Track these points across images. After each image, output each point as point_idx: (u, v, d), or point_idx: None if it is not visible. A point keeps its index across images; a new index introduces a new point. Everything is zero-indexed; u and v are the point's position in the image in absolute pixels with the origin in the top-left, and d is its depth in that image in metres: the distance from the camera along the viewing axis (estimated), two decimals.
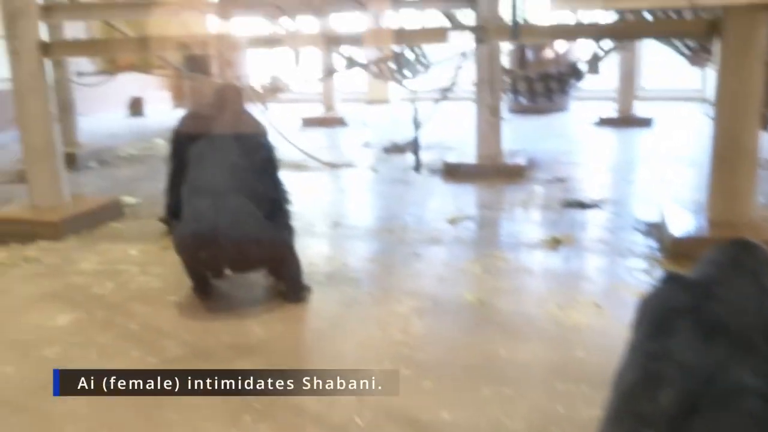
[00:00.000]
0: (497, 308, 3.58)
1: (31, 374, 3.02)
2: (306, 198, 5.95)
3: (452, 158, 6.85)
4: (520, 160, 6.62)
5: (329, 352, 3.17)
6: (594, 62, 5.96)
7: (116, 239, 4.87)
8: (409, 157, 6.78)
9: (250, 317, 3.52)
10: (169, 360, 3.09)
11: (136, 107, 11.51)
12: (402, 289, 3.76)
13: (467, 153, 6.79)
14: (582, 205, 5.42)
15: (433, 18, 7.46)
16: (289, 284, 3.67)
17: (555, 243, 4.56)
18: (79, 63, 9.92)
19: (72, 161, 7.15)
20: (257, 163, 3.72)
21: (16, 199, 5.76)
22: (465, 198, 5.83)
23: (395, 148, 7.57)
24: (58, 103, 5.44)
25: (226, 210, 3.42)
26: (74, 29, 8.32)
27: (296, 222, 4.90)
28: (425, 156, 7.00)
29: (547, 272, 4.10)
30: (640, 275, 3.97)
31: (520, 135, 8.19)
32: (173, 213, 4.37)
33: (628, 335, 1.85)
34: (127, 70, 7.98)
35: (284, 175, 4.00)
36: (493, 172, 6.39)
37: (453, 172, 6.47)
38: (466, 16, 7.67)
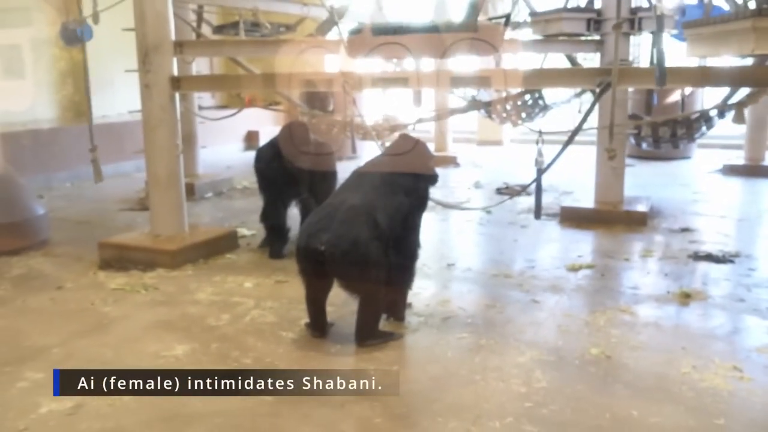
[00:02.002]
0: (625, 365, 3.35)
1: (147, 404, 3.00)
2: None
3: (570, 202, 6.62)
4: (642, 207, 6.31)
5: (448, 401, 3.02)
6: (739, 110, 5.60)
7: (231, 270, 4.93)
8: (524, 200, 6.60)
9: (366, 360, 3.44)
10: (283, 399, 3.03)
11: (251, 141, 11.85)
12: (522, 338, 3.58)
13: (586, 198, 6.55)
14: (712, 258, 5.07)
15: (555, 61, 7.35)
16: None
17: (685, 297, 4.26)
18: (201, 97, 10.38)
19: (190, 191, 7.40)
20: (403, 196, 3.72)
21: (138, 227, 5.98)
22: (584, 245, 5.58)
23: (509, 190, 7.40)
24: (183, 135, 5.62)
25: (341, 222, 3.48)
26: (198, 65, 8.68)
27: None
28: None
29: (678, 329, 3.82)
30: None
31: (642, 181, 7.85)
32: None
33: None
34: (251, 105, 8.22)
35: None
36: (613, 219, 6.12)
37: (571, 217, 6.24)
38: (587, 59, 7.51)
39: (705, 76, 4.22)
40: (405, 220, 3.73)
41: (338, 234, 3.44)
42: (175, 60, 5.26)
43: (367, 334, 3.58)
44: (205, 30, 7.87)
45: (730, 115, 6.49)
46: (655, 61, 3.96)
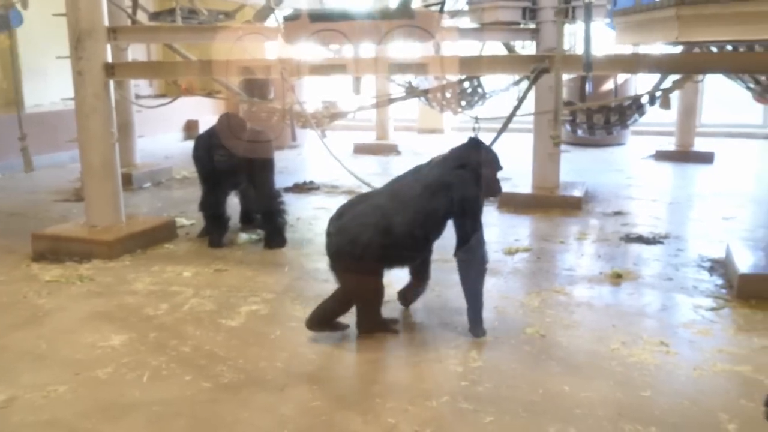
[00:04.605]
0: (558, 343, 3.45)
1: (83, 395, 2.99)
2: None
3: (508, 188, 6.75)
4: (578, 192, 6.48)
5: (386, 382, 3.08)
6: (665, 96, 5.78)
7: (170, 260, 4.88)
8: None
9: (305, 344, 3.46)
10: (222, 385, 3.04)
11: (191, 130, 11.68)
12: (460, 321, 3.64)
13: (524, 184, 6.68)
14: (643, 240, 5.26)
15: (492, 49, 7.44)
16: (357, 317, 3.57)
17: (617, 278, 4.41)
18: (138, 85, 10.18)
19: (128, 181, 7.27)
20: (444, 203, 3.42)
21: (73, 218, 5.85)
22: (521, 229, 5.71)
23: None
24: (118, 125, 5.52)
25: (354, 216, 3.43)
26: (134, 52, 8.51)
27: None
28: None
29: (609, 308, 3.95)
30: (707, 313, 3.80)
31: (577, 167, 8.06)
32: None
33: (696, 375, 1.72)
34: (188, 93, 8.10)
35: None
36: (549, 204, 6.27)
37: (509, 203, 6.36)
38: (526, 47, 7.64)
39: (631, 64, 4.36)
40: (439, 224, 3.49)
41: (344, 227, 3.42)
42: (108, 47, 5.16)
43: (317, 320, 3.51)
44: (142, 17, 7.71)
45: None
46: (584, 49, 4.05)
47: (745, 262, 4.22)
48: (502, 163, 3.63)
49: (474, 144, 3.59)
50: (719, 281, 4.31)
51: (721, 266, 4.57)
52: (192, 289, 4.27)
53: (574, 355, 3.33)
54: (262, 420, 2.76)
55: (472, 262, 3.48)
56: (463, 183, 3.43)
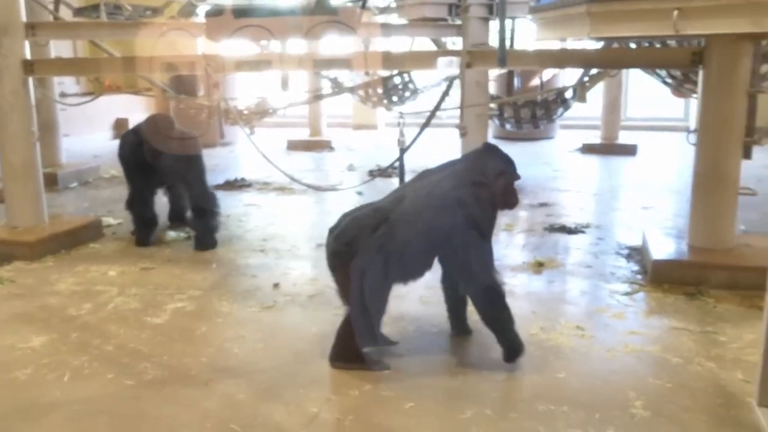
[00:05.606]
0: (480, 331, 3.52)
1: (1, 396, 2.94)
2: (291, 220, 5.93)
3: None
4: None
5: (309, 373, 3.11)
6: (581, 90, 5.97)
7: (95, 260, 4.81)
8: (395, 181, 6.76)
9: (231, 339, 3.47)
10: (146, 382, 3.03)
11: (121, 128, 11.44)
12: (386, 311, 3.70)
13: None
14: (566, 230, 5.43)
15: (425, 45, 7.54)
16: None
17: (539, 266, 4.56)
18: (65, 84, 9.93)
19: (53, 181, 7.11)
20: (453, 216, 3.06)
21: None
22: None
23: (381, 172, 7.55)
24: (41, 123, 5.40)
25: (353, 219, 3.12)
26: (60, 49, 8.30)
27: (282, 244, 4.90)
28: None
29: (531, 295, 4.08)
30: (622, 298, 3.97)
31: None
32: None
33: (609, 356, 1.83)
34: (113, 91, 7.96)
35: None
36: None
37: None
38: (456, 43, 7.76)
39: (546, 58, 4.50)
40: (445, 241, 3.09)
41: (340, 232, 3.09)
42: (27, 43, 5.04)
43: (339, 353, 3.14)
44: (66, 13, 7.54)
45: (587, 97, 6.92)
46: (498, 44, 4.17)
47: (658, 249, 4.41)
48: (512, 169, 3.25)
49: (490, 151, 3.24)
50: (635, 267, 4.50)
51: (637, 253, 4.77)
52: (117, 288, 4.22)
53: (495, 342, 3.42)
54: (185, 415, 2.77)
55: (487, 291, 3.11)
56: (477, 203, 3.07)
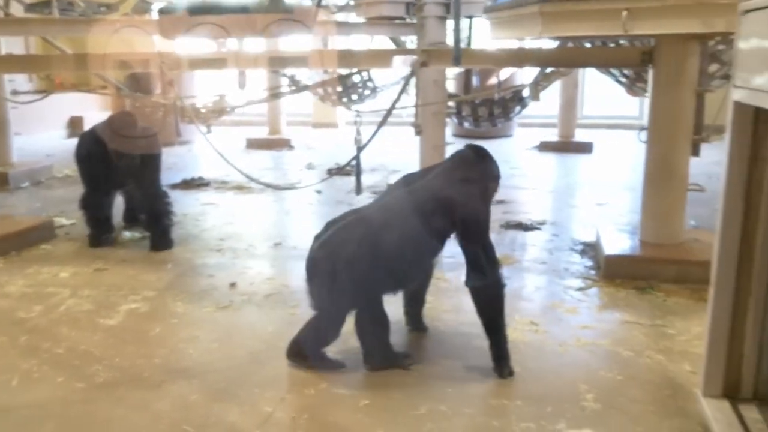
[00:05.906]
0: (437, 328, 3.58)
1: None
2: (248, 219, 5.89)
3: (395, 180, 6.86)
4: None
5: (265, 372, 3.10)
6: (535, 89, 6.05)
7: (46, 261, 4.72)
8: (352, 180, 6.77)
9: (185, 340, 3.44)
10: (97, 385, 2.99)
11: (75, 127, 11.24)
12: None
13: None
14: (522, 227, 5.50)
15: (383, 43, 7.53)
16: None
17: None
18: (17, 81, 9.71)
19: (4, 181, 6.97)
20: (438, 223, 3.05)
21: None
22: None
23: (339, 171, 7.55)
24: None
25: (338, 229, 3.08)
26: (12, 46, 8.12)
27: (239, 243, 4.87)
28: (369, 178, 7.04)
29: None
30: (575, 293, 4.03)
31: None
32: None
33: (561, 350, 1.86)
34: (65, 88, 7.80)
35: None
36: None
37: None
38: (414, 42, 7.77)
39: (499, 58, 4.55)
40: (437, 244, 3.13)
41: (325, 240, 3.08)
42: None
43: (296, 351, 3.15)
44: (17, 9, 7.37)
45: (541, 95, 7.01)
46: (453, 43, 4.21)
47: (611, 245, 4.49)
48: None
49: (476, 152, 3.22)
50: (589, 263, 4.58)
51: (591, 249, 4.85)
52: (69, 290, 4.15)
53: (451, 338, 3.46)
54: (137, 417, 2.74)
55: (488, 288, 3.07)
56: (469, 199, 3.04)
